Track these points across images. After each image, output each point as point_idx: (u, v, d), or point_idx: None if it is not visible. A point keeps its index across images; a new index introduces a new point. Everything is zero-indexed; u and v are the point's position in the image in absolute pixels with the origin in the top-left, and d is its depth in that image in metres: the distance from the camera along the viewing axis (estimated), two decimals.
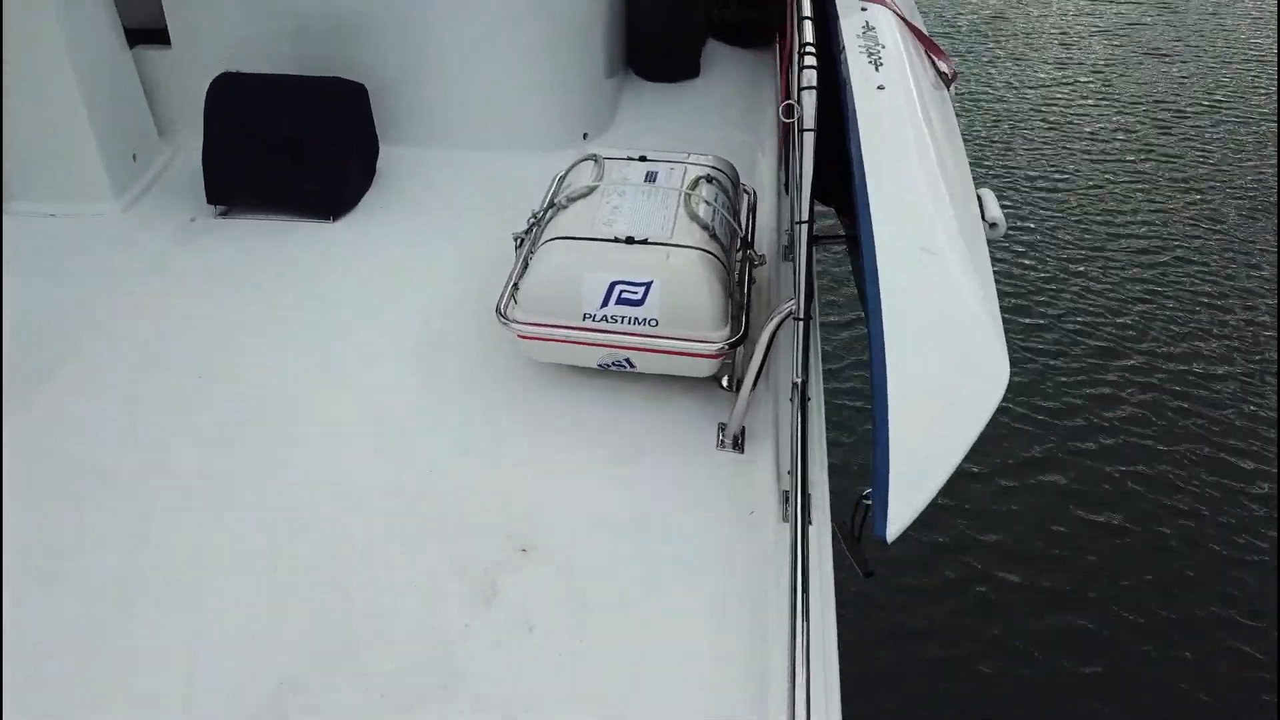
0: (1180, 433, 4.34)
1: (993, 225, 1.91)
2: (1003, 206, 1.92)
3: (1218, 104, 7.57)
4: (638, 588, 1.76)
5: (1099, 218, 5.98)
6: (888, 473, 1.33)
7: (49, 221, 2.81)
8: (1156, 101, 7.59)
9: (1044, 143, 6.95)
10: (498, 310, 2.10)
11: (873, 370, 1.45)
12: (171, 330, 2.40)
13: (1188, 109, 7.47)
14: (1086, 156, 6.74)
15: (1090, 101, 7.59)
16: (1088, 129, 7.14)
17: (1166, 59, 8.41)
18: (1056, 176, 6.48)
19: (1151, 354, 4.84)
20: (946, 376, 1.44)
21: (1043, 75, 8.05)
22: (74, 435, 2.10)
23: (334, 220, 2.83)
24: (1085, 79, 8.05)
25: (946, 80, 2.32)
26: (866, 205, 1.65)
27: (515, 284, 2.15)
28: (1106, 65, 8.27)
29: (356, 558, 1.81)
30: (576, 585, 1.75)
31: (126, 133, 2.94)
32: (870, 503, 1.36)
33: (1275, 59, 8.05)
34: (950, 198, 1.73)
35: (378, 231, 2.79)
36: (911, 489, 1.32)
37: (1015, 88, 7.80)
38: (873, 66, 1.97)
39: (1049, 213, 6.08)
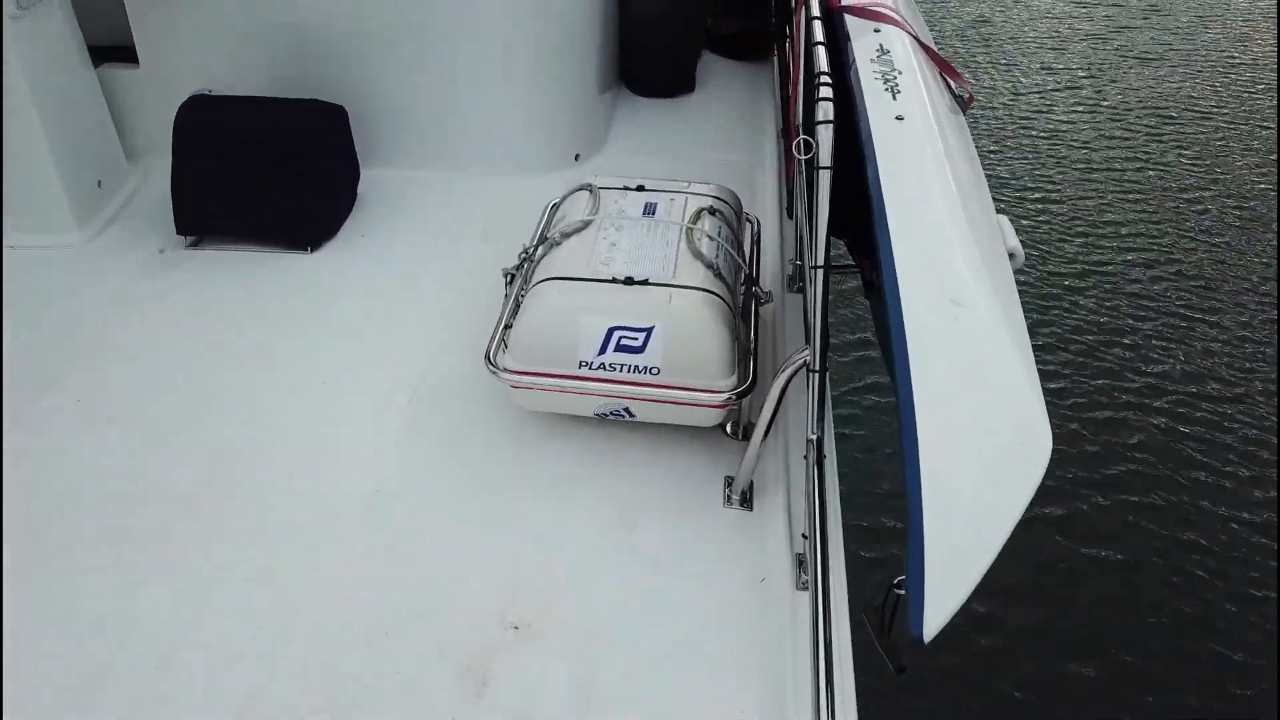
0: (1187, 459, 4.20)
1: (1010, 256, 1.78)
2: None
3: (1209, 110, 7.47)
4: (643, 672, 1.61)
5: (1093, 230, 5.84)
6: (922, 566, 1.20)
7: (8, 254, 2.64)
8: (1147, 108, 7.48)
9: (1033, 151, 6.83)
10: (487, 358, 1.95)
11: (903, 445, 1.30)
12: (135, 375, 2.23)
13: (1177, 115, 7.36)
14: (1077, 166, 6.61)
15: (1080, 109, 7.47)
16: (1077, 137, 7.02)
17: (1154, 63, 8.31)
18: (1048, 187, 6.34)
19: (1152, 373, 4.69)
20: (984, 452, 1.30)
21: (1030, 82, 7.93)
22: (25, 494, 1.93)
23: (312, 251, 2.67)
24: (1074, 85, 7.94)
25: (963, 104, 2.18)
26: (890, 254, 1.50)
27: (506, 326, 2.00)
28: (1096, 71, 8.16)
29: (330, 639, 1.65)
30: (575, 670, 1.60)
31: (91, 158, 2.78)
32: (902, 592, 1.23)
33: (1276, 58, 7.93)
34: (976, 240, 1.59)
35: (358, 263, 2.63)
36: (950, 583, 1.18)
37: (1004, 95, 7.68)
38: (890, 95, 1.82)
39: (1042, 224, 5.97)
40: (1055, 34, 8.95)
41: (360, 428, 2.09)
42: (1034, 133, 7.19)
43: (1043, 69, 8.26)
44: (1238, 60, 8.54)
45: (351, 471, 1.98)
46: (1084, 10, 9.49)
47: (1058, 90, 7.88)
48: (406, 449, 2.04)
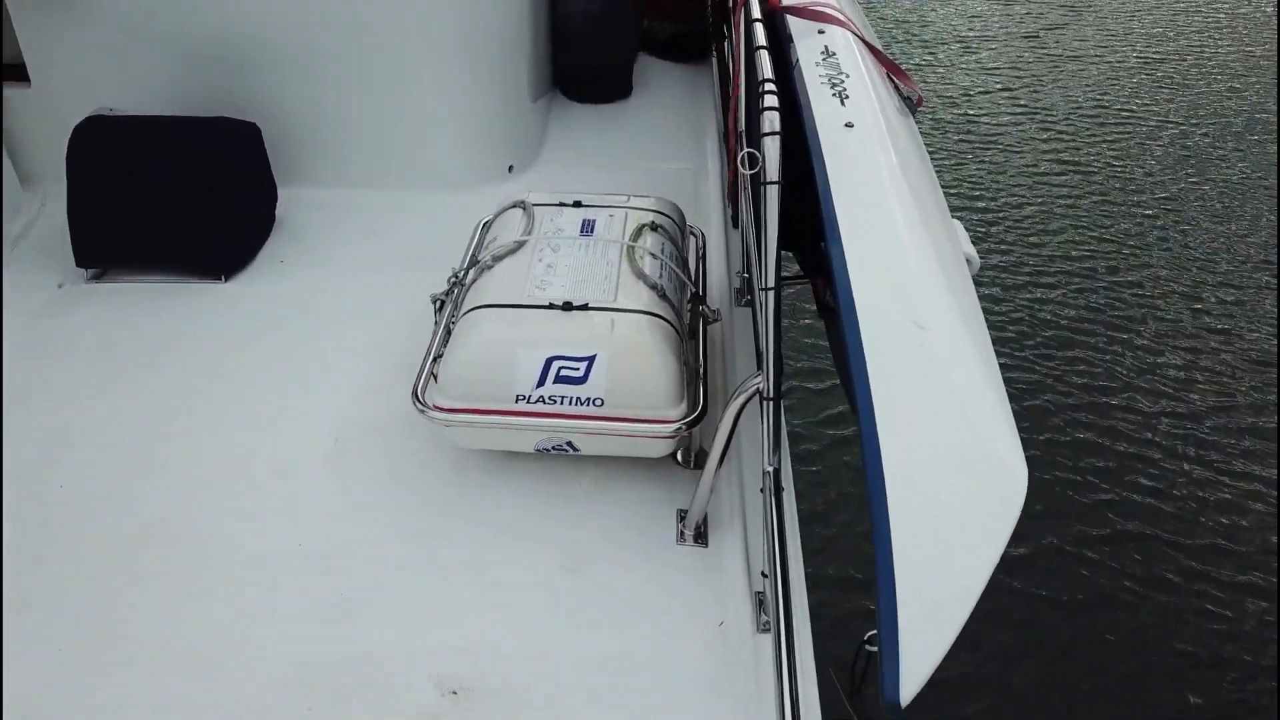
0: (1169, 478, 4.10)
1: (967, 262, 1.68)
2: None
3: (1138, 110, 7.53)
4: None
5: (1034, 236, 5.81)
6: (896, 621, 1.08)
7: None
8: (1075, 108, 7.52)
9: (976, 152, 6.82)
10: (415, 395, 1.80)
11: (869, 485, 1.19)
12: (33, 424, 2.03)
13: (1110, 117, 7.41)
14: (1019, 172, 6.59)
15: (1010, 111, 7.48)
16: (1011, 140, 7.02)
17: (1081, 61, 8.38)
18: (988, 196, 6.30)
19: (1094, 380, 4.60)
20: (957, 491, 1.19)
21: (964, 83, 7.94)
22: None
23: (226, 280, 2.48)
24: (1008, 88, 7.97)
25: (912, 105, 2.08)
26: (845, 274, 1.39)
27: (435, 358, 1.85)
28: (1024, 71, 8.20)
29: (246, 716, 1.49)
30: None
31: None
32: (874, 649, 1.11)
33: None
34: (935, 252, 1.49)
35: (277, 291, 2.45)
36: (927, 639, 1.07)
37: (942, 98, 7.67)
38: (838, 100, 1.71)
39: (983, 231, 5.96)
40: (986, 35, 9.00)
41: (281, 477, 1.92)
42: (976, 134, 7.19)
43: (976, 69, 8.29)
44: (1165, 56, 8.68)
45: (271, 527, 1.81)
46: (1009, 9, 9.55)
47: (995, 91, 7.91)
48: (332, 499, 1.87)
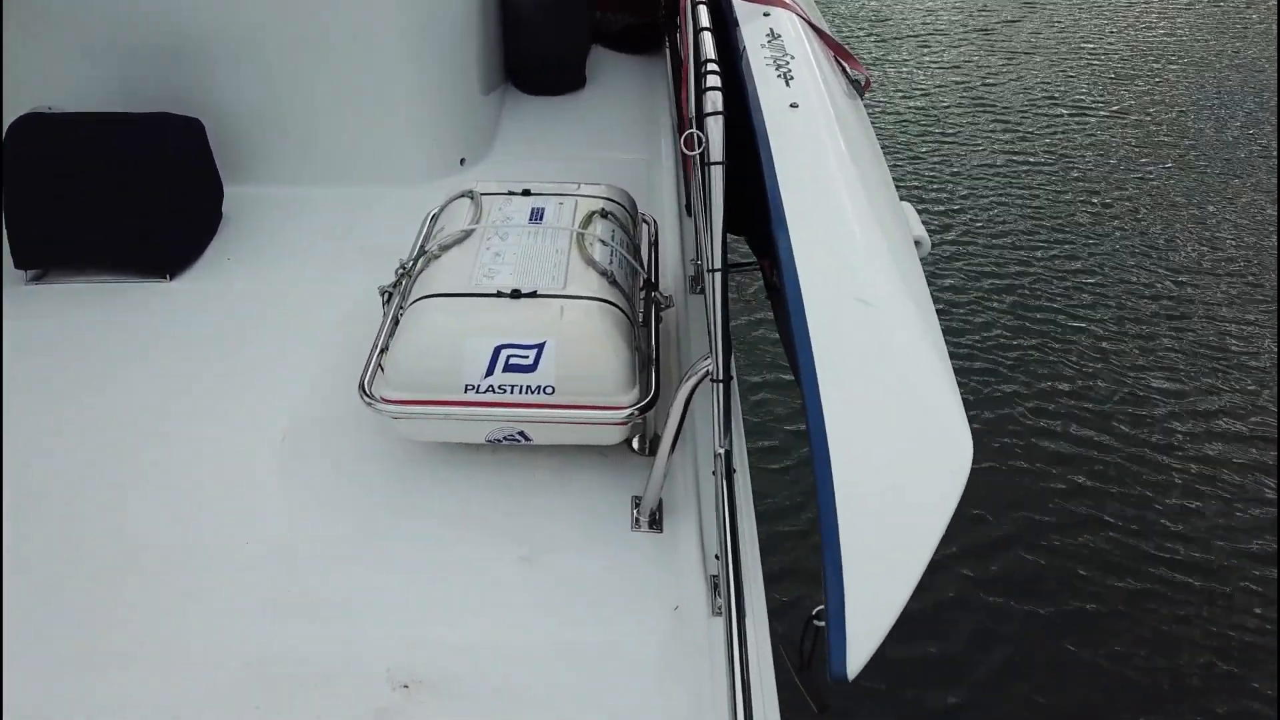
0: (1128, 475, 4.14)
1: (916, 244, 1.68)
2: None
3: (1090, 102, 7.63)
4: None
5: (988, 226, 5.86)
6: (842, 594, 1.08)
7: None
8: (1030, 103, 7.59)
9: (928, 137, 6.87)
10: (361, 388, 1.77)
11: (814, 460, 1.19)
12: None
13: (1063, 109, 7.50)
14: (974, 165, 6.64)
15: (964, 104, 7.55)
16: (965, 133, 7.08)
17: (1031, 56, 8.47)
18: (950, 188, 6.35)
19: (1053, 374, 4.66)
20: (902, 464, 1.19)
21: (921, 79, 8.00)
22: None
23: (171, 278, 2.43)
24: (961, 81, 8.04)
25: (860, 88, 2.09)
26: (789, 250, 1.38)
27: (382, 350, 1.82)
28: (979, 64, 8.27)
29: (192, 715, 1.46)
30: None
31: None
32: (822, 624, 1.11)
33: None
34: (882, 230, 1.49)
35: (224, 289, 2.41)
36: (873, 612, 1.07)
37: (901, 93, 7.72)
38: (782, 81, 1.71)
39: (940, 223, 6.01)
40: (940, 29, 9.07)
41: (227, 476, 1.88)
42: (928, 118, 7.24)
43: (931, 64, 8.35)
44: (1116, 48, 8.80)
45: (216, 526, 1.78)
46: (963, 4, 9.64)
47: (950, 86, 7.97)
48: (279, 496, 1.84)
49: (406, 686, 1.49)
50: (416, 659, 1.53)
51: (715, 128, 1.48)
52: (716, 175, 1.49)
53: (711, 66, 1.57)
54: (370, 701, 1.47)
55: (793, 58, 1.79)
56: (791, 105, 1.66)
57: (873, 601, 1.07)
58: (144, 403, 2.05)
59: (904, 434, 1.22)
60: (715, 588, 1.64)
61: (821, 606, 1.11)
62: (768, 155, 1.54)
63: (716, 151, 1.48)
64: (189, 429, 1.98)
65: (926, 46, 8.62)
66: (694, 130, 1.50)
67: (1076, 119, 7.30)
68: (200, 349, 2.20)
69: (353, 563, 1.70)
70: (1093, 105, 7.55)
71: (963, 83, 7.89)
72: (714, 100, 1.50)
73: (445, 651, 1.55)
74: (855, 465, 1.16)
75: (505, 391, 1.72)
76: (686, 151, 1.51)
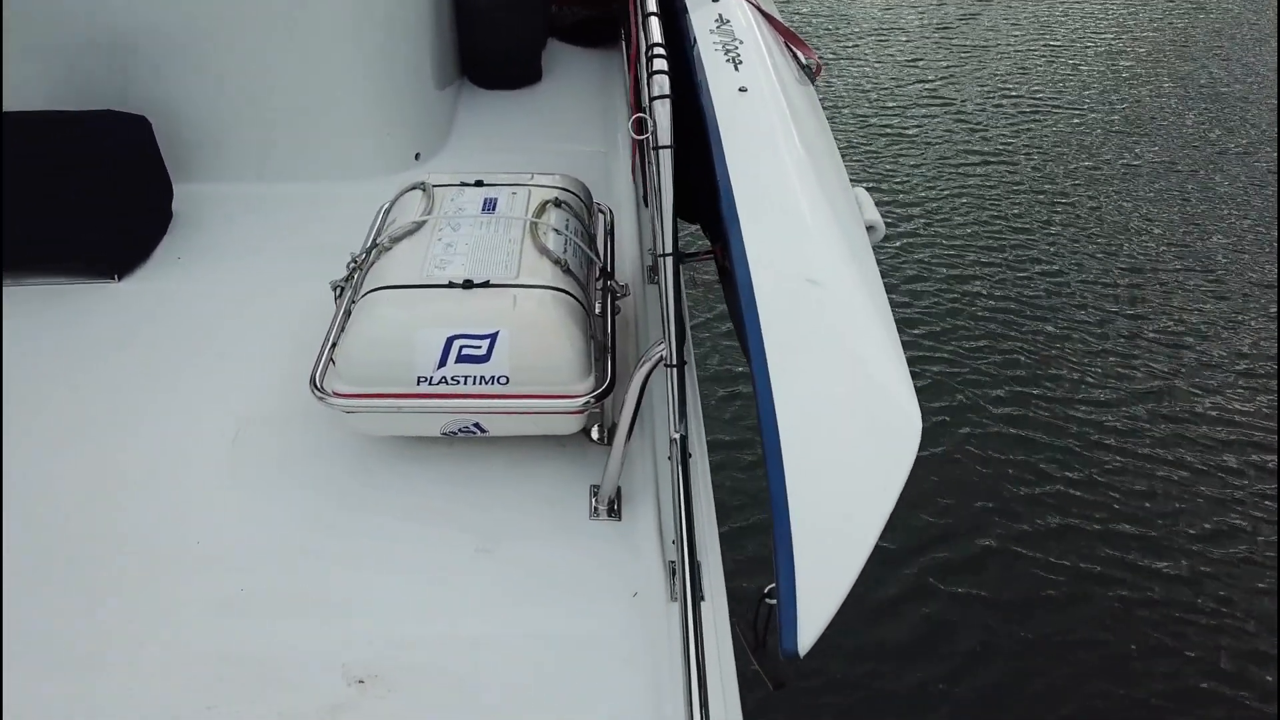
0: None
1: (870, 229, 1.69)
2: None
3: (1046, 97, 7.70)
4: (511, 712, 1.45)
5: (947, 221, 5.89)
6: (793, 571, 1.08)
7: None
8: (987, 97, 7.65)
9: (887, 145, 6.89)
10: (312, 382, 1.75)
11: (764, 438, 1.19)
12: None
13: (1021, 103, 7.56)
14: (934, 160, 6.66)
15: (924, 100, 7.59)
16: (924, 129, 7.11)
17: (986, 52, 8.54)
18: (908, 182, 6.37)
19: (1009, 365, 4.68)
20: (851, 439, 1.20)
21: (881, 76, 8.04)
22: None
23: (120, 279, 2.39)
24: (925, 80, 8.09)
25: (811, 74, 2.09)
26: (738, 233, 1.39)
27: (334, 344, 1.80)
28: (938, 60, 8.33)
29: (144, 716, 1.43)
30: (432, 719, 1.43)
31: None
32: (774, 602, 1.11)
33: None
34: (832, 213, 1.49)
35: (175, 288, 2.36)
36: (823, 589, 1.07)
37: (862, 90, 7.75)
38: (731, 65, 1.71)
39: (897, 214, 6.05)
40: (899, 25, 9.12)
41: (179, 476, 1.85)
42: (887, 113, 7.28)
43: (889, 59, 8.40)
44: (1070, 42, 8.91)
45: (168, 526, 1.74)
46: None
47: (910, 82, 8.02)
48: (232, 495, 1.81)
49: (362, 682, 1.47)
50: (373, 654, 1.51)
51: (662, 111, 1.48)
52: (665, 159, 1.48)
53: (658, 51, 1.56)
54: (326, 698, 1.45)
55: (741, 43, 1.79)
56: (740, 90, 1.66)
57: (823, 578, 1.07)
58: (93, 405, 2.01)
59: (853, 411, 1.22)
60: (674, 573, 1.63)
61: (774, 584, 1.11)
62: (716, 139, 1.54)
63: (664, 135, 1.48)
64: (139, 430, 1.95)
65: (886, 43, 8.67)
66: (641, 114, 1.50)
67: (1033, 113, 7.39)
68: (150, 350, 2.16)
69: (307, 559, 1.68)
70: (1048, 99, 7.64)
71: (922, 79, 7.94)
72: (660, 84, 1.50)
73: (402, 646, 1.53)
74: (804, 443, 1.16)
75: (458, 383, 1.70)
76: (635, 136, 1.51)
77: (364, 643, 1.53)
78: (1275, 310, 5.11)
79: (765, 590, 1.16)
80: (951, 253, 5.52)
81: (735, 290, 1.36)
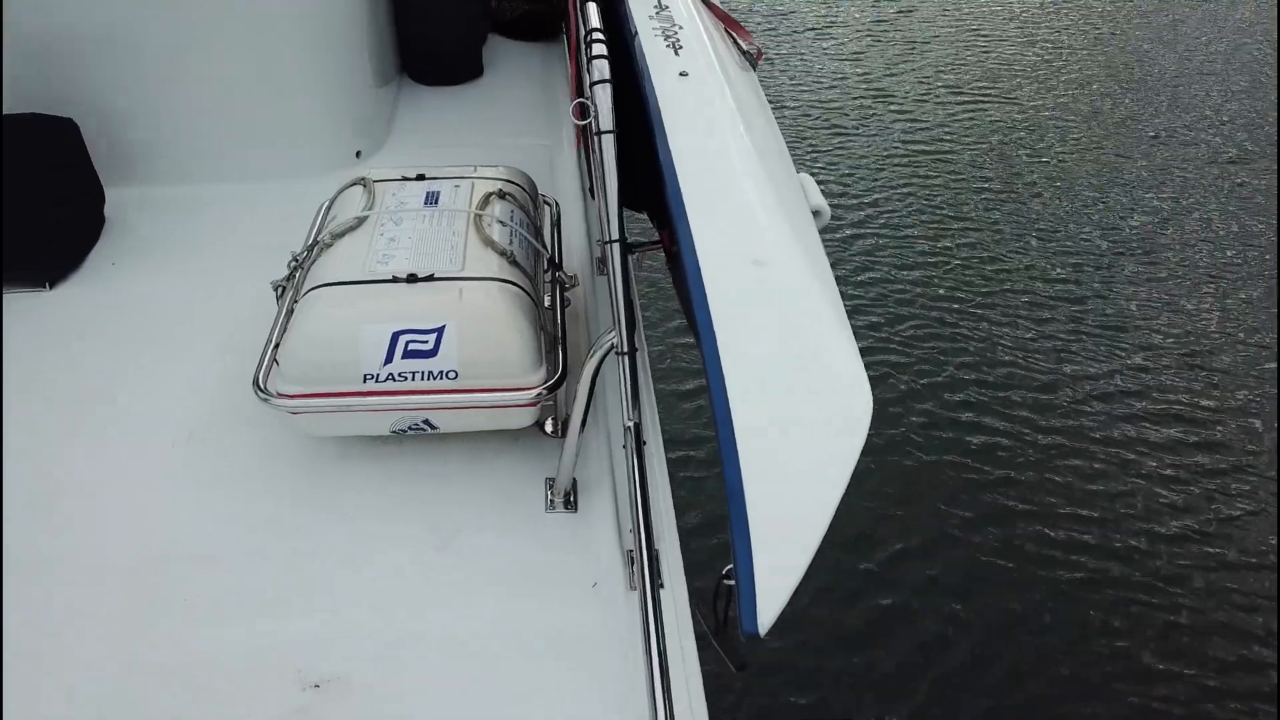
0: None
1: (815, 214, 1.70)
2: None
3: (982, 87, 7.80)
4: (470, 710, 1.43)
5: (888, 217, 5.93)
6: (750, 551, 1.07)
7: None
8: (926, 90, 7.72)
9: (826, 139, 6.92)
10: (256, 384, 1.70)
11: (716, 419, 1.18)
12: None
13: (957, 97, 7.65)
14: (874, 157, 6.69)
15: (865, 96, 7.64)
16: (863, 125, 7.16)
17: (921, 46, 8.64)
18: (849, 178, 6.40)
19: (951, 357, 4.70)
20: (801, 414, 1.19)
21: (820, 71, 8.09)
22: None
23: (51, 287, 2.31)
24: (861, 72, 8.16)
25: (752, 60, 2.09)
26: (684, 216, 1.38)
27: (276, 345, 1.76)
28: (877, 56, 8.40)
29: None
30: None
31: None
32: (732, 582, 1.10)
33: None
34: (777, 196, 1.49)
35: (111, 295, 2.29)
36: (782, 567, 1.06)
37: (803, 86, 7.79)
38: (671, 50, 1.70)
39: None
40: (838, 21, 9.19)
41: (124, 484, 1.79)
42: (828, 109, 7.33)
43: (825, 56, 8.46)
44: (1006, 35, 9.06)
45: (114, 535, 1.69)
46: None
47: (850, 77, 8.08)
48: (178, 501, 1.76)
49: (318, 686, 1.44)
50: (328, 657, 1.48)
51: (603, 95, 1.46)
52: (608, 144, 1.47)
53: (597, 36, 1.55)
54: (281, 703, 1.41)
55: (681, 28, 1.78)
56: (681, 74, 1.65)
57: (780, 557, 1.06)
58: (31, 414, 1.94)
59: (804, 389, 1.22)
60: (633, 562, 1.62)
61: (732, 565, 1.11)
62: (659, 123, 1.53)
63: (606, 120, 1.47)
64: (79, 440, 1.88)
65: (827, 38, 8.74)
66: (582, 100, 1.48)
67: (971, 105, 7.49)
68: (86, 359, 2.09)
69: (256, 563, 1.64)
70: (986, 90, 7.75)
71: (861, 73, 8.01)
72: (600, 68, 1.49)
73: (358, 647, 1.50)
74: (757, 423, 1.16)
75: (406, 379, 1.67)
76: (576, 121, 1.49)
77: (319, 646, 1.49)
78: (1212, 291, 5.23)
79: (724, 571, 1.15)
80: (892, 243, 5.57)
81: (683, 274, 1.35)
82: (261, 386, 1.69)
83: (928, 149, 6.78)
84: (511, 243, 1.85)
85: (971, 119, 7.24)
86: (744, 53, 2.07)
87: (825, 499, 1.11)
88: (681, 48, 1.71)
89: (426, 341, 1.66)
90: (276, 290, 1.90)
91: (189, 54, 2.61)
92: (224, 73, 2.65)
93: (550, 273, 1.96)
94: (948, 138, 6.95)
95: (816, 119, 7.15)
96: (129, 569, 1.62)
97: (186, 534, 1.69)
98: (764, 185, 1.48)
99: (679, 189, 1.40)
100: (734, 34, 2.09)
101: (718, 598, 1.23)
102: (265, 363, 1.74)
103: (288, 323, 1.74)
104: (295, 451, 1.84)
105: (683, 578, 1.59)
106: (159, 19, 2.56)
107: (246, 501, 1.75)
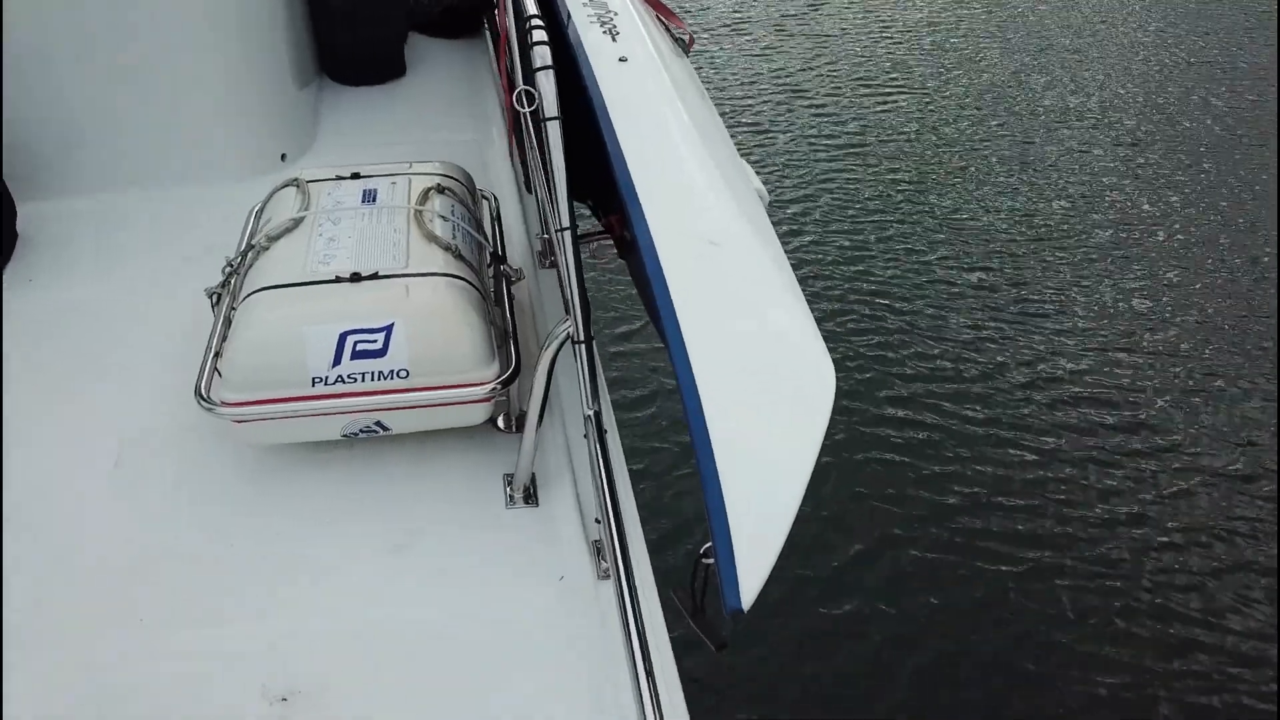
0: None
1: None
2: None
3: (898, 81, 7.91)
4: (442, 712, 1.40)
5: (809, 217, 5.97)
6: (728, 528, 1.08)
7: None
8: (838, 84, 7.81)
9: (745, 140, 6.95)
10: (198, 393, 1.64)
11: (684, 402, 1.18)
12: None
13: (869, 90, 7.74)
14: (789, 154, 6.75)
15: (780, 93, 7.70)
16: (779, 121, 7.21)
17: (828, 41, 8.74)
18: (768, 176, 6.43)
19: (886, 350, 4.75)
20: (768, 390, 1.21)
21: (736, 70, 8.13)
22: None
23: None
24: (775, 70, 8.23)
25: (684, 46, 2.10)
26: (636, 201, 1.38)
27: (217, 354, 1.70)
28: (790, 50, 8.47)
29: None
30: None
31: None
32: (711, 562, 1.10)
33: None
34: (724, 176, 1.50)
35: (30, 312, 2.18)
36: (761, 541, 1.07)
37: (716, 87, 7.81)
38: (609, 37, 1.69)
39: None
40: (751, 18, 9.24)
41: (63, 505, 1.71)
42: (743, 109, 7.36)
43: (738, 53, 8.52)
44: (916, 25, 9.24)
45: (58, 550, 1.61)
46: None
47: (765, 74, 8.14)
48: (122, 518, 1.68)
49: (285, 699, 1.40)
50: (294, 669, 1.44)
51: (547, 82, 1.45)
52: (554, 131, 1.46)
53: (536, 22, 1.54)
54: (249, 716, 1.37)
55: (616, 14, 1.77)
56: (621, 59, 1.65)
57: (759, 531, 1.07)
58: None
59: (767, 366, 1.24)
60: (598, 552, 1.61)
61: (709, 545, 1.11)
62: (602, 108, 1.52)
63: (550, 107, 1.45)
64: (16, 457, 1.79)
65: (741, 35, 8.79)
66: (526, 88, 1.46)
67: (883, 98, 7.59)
68: (16, 377, 1.99)
69: (212, 576, 1.58)
70: (900, 82, 7.87)
71: (776, 68, 8.07)
72: (542, 55, 1.47)
73: (324, 657, 1.46)
74: (725, 400, 1.16)
75: (356, 380, 1.63)
76: (519, 109, 1.48)
77: (284, 658, 1.45)
78: (1129, 273, 5.40)
79: (701, 551, 1.15)
80: (815, 239, 5.65)
81: (639, 257, 1.35)
82: (204, 396, 1.63)
83: (842, 142, 6.85)
84: (455, 237, 1.83)
85: (886, 111, 7.36)
86: (676, 39, 2.08)
87: (797, 472, 1.12)
88: (618, 33, 1.71)
89: (375, 341, 1.62)
90: (212, 297, 1.83)
91: (98, 59, 2.50)
92: (137, 78, 2.55)
93: (495, 266, 1.94)
94: (861, 131, 7.03)
95: (730, 117, 7.18)
96: (79, 588, 1.55)
97: (136, 550, 1.62)
98: (711, 167, 1.49)
99: (629, 173, 1.40)
100: (665, 20, 2.09)
101: (695, 580, 1.23)
102: (206, 371, 1.68)
103: (227, 329, 1.68)
104: (243, 462, 1.78)
105: (648, 563, 1.59)
106: (66, 24, 2.45)
107: (197, 514, 1.69)
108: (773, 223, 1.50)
